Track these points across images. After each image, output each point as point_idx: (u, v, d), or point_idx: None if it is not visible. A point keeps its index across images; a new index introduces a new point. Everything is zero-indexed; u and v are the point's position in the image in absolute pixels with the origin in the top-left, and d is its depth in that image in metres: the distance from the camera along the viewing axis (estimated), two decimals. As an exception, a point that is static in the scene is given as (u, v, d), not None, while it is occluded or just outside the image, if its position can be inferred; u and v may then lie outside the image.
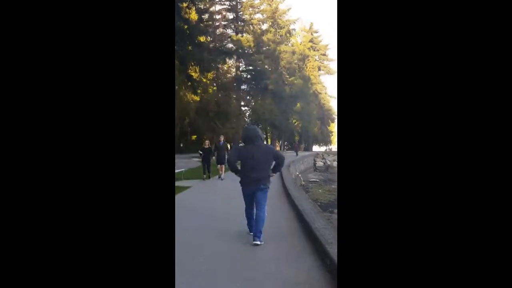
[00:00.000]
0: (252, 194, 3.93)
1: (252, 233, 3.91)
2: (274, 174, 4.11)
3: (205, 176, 11.55)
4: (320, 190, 17.52)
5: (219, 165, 11.67)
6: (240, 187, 4.07)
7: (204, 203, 6.82)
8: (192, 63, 21.14)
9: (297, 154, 31.12)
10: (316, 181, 22.51)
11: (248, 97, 40.31)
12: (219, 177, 11.70)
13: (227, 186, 9.69)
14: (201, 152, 11.84)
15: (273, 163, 4.02)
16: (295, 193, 6.95)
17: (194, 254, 3.47)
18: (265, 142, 3.97)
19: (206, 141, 12.24)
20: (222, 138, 12.23)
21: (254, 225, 3.86)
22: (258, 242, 3.75)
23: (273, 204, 5.58)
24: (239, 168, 4.03)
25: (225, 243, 3.91)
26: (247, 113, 41.14)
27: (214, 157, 11.64)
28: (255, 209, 3.93)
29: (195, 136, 39.76)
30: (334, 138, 70.70)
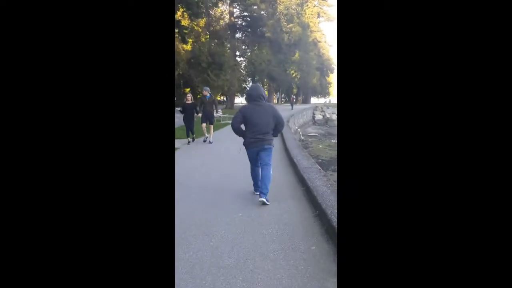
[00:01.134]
0: (257, 154, 3.90)
1: (257, 193, 3.93)
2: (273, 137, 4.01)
3: (189, 139, 9.37)
4: (320, 146, 16.69)
5: (204, 124, 9.18)
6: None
7: (193, 168, 5.95)
8: (180, 8, 19.10)
9: (292, 108, 29.77)
10: (316, 135, 21.79)
11: (243, 47, 38.07)
12: (206, 139, 9.35)
13: (219, 146, 8.63)
14: (180, 110, 9.28)
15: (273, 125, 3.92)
16: (303, 162, 5.72)
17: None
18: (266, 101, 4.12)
19: (188, 95, 9.61)
20: (207, 91, 9.32)
21: (260, 184, 3.84)
22: (265, 200, 3.69)
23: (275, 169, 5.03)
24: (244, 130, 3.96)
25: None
26: (243, 64, 39.19)
27: (199, 115, 9.18)
28: (260, 169, 3.93)
29: (189, 89, 38.11)
30: (333, 89, 69.38)
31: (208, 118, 9.21)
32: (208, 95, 9.21)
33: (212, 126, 9.42)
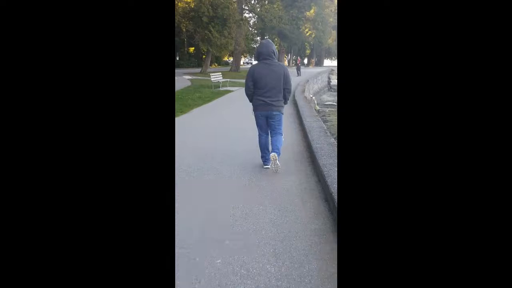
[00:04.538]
0: (266, 120, 3.55)
1: (267, 166, 3.66)
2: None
3: None
4: (340, 119, 13.84)
5: None
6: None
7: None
8: None
9: (299, 74, 24.31)
10: (333, 104, 18.87)
11: (252, 1, 34.00)
12: None
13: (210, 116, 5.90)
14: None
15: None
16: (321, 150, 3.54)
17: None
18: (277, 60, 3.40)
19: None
20: None
21: (272, 146, 3.58)
22: (276, 155, 3.45)
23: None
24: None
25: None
26: (251, 21, 35.27)
27: None
28: (270, 137, 3.64)
29: (193, 48, 34.62)
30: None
31: None
32: None
33: None
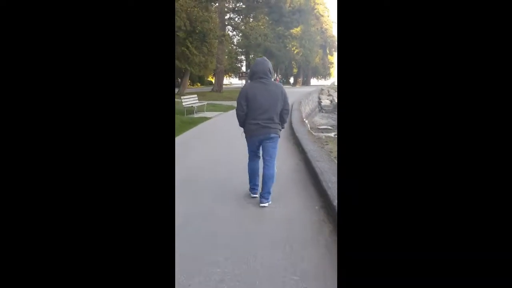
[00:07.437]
0: (259, 145, 3.21)
1: (255, 195, 3.35)
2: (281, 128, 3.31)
3: None
4: (342, 149, 11.40)
5: None
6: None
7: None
8: None
9: None
10: (329, 128, 16.54)
11: (236, 19, 32.12)
12: None
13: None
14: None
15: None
16: None
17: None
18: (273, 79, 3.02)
19: None
20: None
21: (262, 184, 3.17)
22: (266, 204, 3.14)
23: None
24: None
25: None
26: (235, 39, 33.30)
27: None
28: (262, 165, 3.23)
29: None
30: (334, 70, 64.30)
31: None
32: None
33: None
